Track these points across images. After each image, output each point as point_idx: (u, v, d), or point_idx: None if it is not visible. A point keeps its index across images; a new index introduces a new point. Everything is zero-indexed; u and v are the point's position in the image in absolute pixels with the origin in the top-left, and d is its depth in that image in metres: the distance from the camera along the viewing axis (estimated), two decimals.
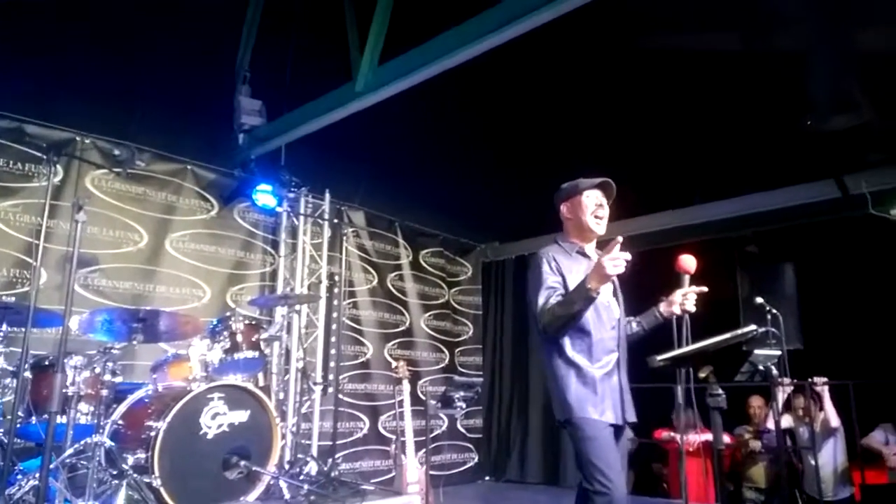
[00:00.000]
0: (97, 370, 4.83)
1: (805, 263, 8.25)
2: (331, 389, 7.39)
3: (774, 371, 5.08)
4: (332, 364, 7.52)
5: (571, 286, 3.60)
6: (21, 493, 4.30)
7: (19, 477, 4.42)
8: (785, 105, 6.46)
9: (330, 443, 7.14)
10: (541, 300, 3.63)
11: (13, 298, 5.62)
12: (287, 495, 5.38)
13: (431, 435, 6.78)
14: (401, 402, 7.11)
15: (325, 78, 6.29)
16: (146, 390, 5.16)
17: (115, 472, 4.59)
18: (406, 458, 6.80)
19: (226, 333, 5.55)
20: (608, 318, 3.73)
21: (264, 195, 7.01)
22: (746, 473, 7.68)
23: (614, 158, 6.84)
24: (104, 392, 4.72)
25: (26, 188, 5.93)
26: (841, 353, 7.36)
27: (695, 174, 7.89)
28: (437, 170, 8.03)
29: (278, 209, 7.44)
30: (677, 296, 3.72)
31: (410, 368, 7.50)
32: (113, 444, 4.62)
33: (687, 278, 3.71)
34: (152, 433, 4.70)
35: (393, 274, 8.95)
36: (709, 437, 6.95)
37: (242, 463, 5.02)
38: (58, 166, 5.90)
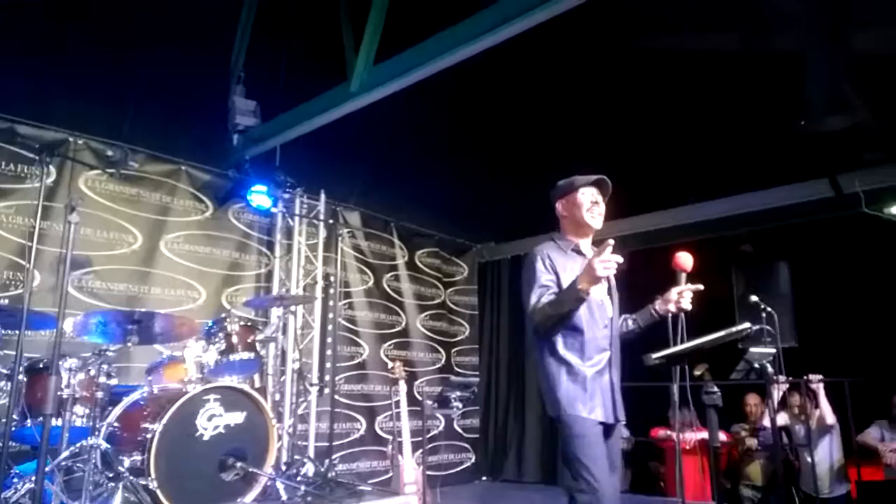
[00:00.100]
0: (92, 372, 4.82)
1: (799, 262, 8.26)
2: (327, 390, 7.38)
3: (770, 369, 5.07)
4: (328, 365, 7.52)
5: (565, 284, 3.60)
6: (17, 496, 4.29)
7: (15, 480, 4.41)
8: (779, 105, 6.47)
9: (327, 444, 7.13)
10: (533, 298, 3.64)
11: (7, 301, 5.63)
12: (284, 496, 5.37)
13: (428, 435, 6.75)
14: (397, 402, 7.09)
15: (320, 78, 6.28)
16: (142, 392, 5.15)
17: (111, 475, 4.58)
18: (403, 458, 6.79)
19: (221, 335, 5.55)
20: (601, 316, 3.73)
21: (259, 196, 6.99)
22: (743, 471, 7.68)
23: (609, 158, 6.83)
24: (99, 394, 4.70)
25: (19, 189, 5.91)
26: (836, 350, 7.37)
27: (689, 173, 7.89)
28: (433, 170, 8.02)
29: (273, 210, 7.42)
30: (673, 293, 3.69)
31: (407, 369, 7.49)
32: (109, 446, 4.62)
33: (684, 276, 3.70)
34: (148, 435, 4.68)
35: (389, 274, 8.95)
36: (705, 435, 6.95)
37: (239, 464, 5.01)
38: (51, 167, 5.88)
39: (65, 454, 4.48)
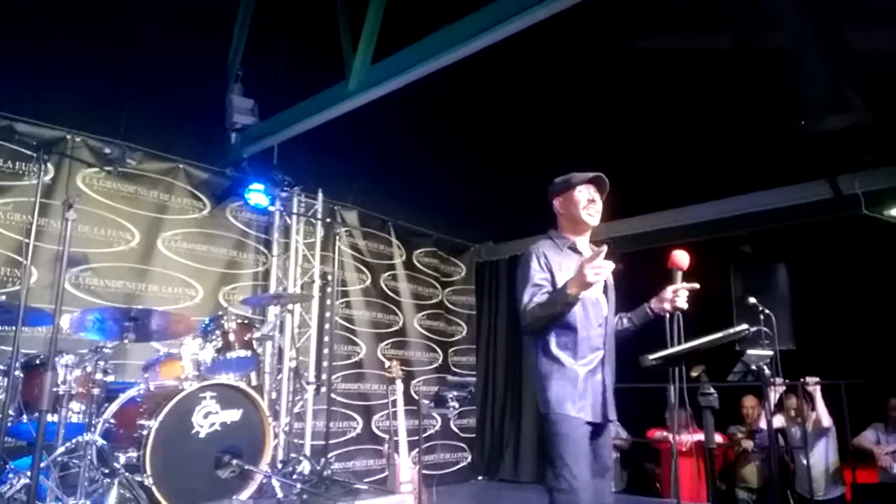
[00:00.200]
0: (88, 369, 4.81)
1: (798, 263, 8.27)
2: (324, 389, 7.39)
3: (767, 371, 5.07)
4: (324, 363, 7.52)
5: (560, 282, 3.61)
6: (12, 491, 4.29)
7: (10, 476, 4.40)
8: (778, 105, 6.48)
9: (323, 442, 7.12)
10: (525, 297, 3.64)
11: (4, 297, 5.62)
12: (280, 494, 5.37)
13: (424, 434, 6.76)
14: (394, 401, 7.08)
15: (318, 77, 6.29)
16: (138, 389, 5.14)
17: (106, 471, 4.58)
18: (399, 457, 6.78)
19: (218, 333, 5.54)
20: (596, 315, 3.71)
21: (257, 194, 6.99)
22: (739, 473, 7.69)
23: (609, 158, 6.81)
24: (96, 391, 4.70)
25: (17, 186, 5.90)
26: (833, 353, 7.38)
27: (689, 174, 7.91)
28: (431, 169, 8.03)
29: (271, 208, 7.42)
30: (668, 292, 3.66)
31: (404, 368, 7.47)
32: (105, 442, 4.63)
33: (680, 274, 3.66)
34: (144, 432, 4.68)
35: (386, 273, 8.94)
36: (701, 436, 6.94)
37: (235, 462, 5.00)
38: (48, 165, 5.86)
39: (60, 450, 4.48)
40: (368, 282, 8.66)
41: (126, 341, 5.09)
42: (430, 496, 6.77)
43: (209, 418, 4.99)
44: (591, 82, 6.84)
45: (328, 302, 7.77)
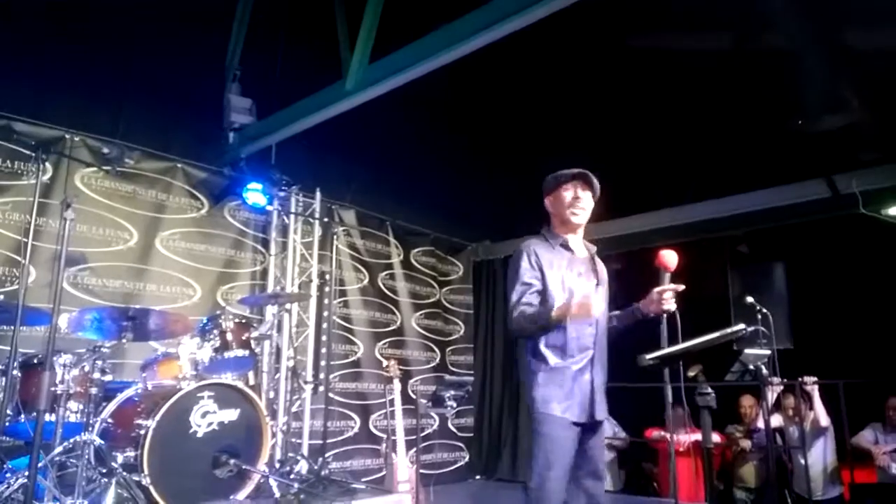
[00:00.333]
0: (86, 368, 4.81)
1: (796, 263, 8.28)
2: (321, 388, 7.39)
3: (764, 370, 5.08)
4: (322, 363, 7.51)
5: (550, 280, 3.62)
6: (9, 491, 4.28)
7: (8, 475, 4.40)
8: (776, 105, 6.49)
9: (320, 441, 7.13)
10: (514, 296, 3.66)
11: (2, 297, 5.64)
12: (277, 494, 5.36)
13: (422, 434, 6.77)
14: (391, 400, 7.09)
15: (316, 76, 6.29)
16: (136, 389, 5.14)
17: (104, 471, 4.58)
18: (397, 456, 6.79)
19: (216, 332, 5.53)
20: None
21: (255, 194, 6.99)
22: (737, 473, 7.70)
23: (606, 157, 6.83)
24: (93, 390, 4.69)
25: (15, 186, 5.90)
26: (831, 352, 7.38)
27: (686, 173, 7.91)
28: (429, 169, 8.03)
29: (269, 208, 7.41)
30: (655, 294, 3.64)
31: (401, 367, 7.48)
32: (102, 442, 4.61)
33: (668, 275, 3.63)
34: (142, 431, 4.68)
35: (384, 273, 8.94)
36: (699, 436, 6.96)
37: (232, 461, 5.00)
38: (47, 164, 5.85)
39: (58, 450, 4.47)
40: (366, 281, 8.66)
41: (124, 341, 5.08)
42: (428, 496, 6.77)
43: (207, 418, 4.99)
44: (588, 81, 6.84)
45: (326, 301, 7.77)
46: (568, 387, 3.56)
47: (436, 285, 9.68)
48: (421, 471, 6.33)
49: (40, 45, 5.84)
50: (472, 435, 9.69)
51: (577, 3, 4.47)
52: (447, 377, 7.32)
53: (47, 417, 4.36)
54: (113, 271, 6.38)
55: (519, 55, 6.05)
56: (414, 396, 7.93)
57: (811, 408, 7.09)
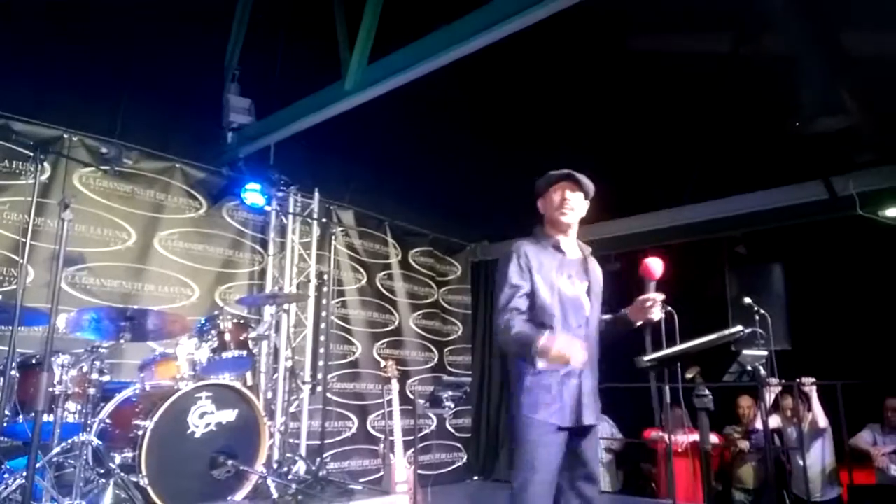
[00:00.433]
0: (84, 369, 4.80)
1: (793, 264, 8.28)
2: (319, 389, 7.38)
3: (762, 371, 5.08)
4: (320, 363, 7.50)
5: (540, 281, 3.60)
6: (7, 491, 4.28)
7: (6, 476, 4.40)
8: (774, 106, 6.49)
9: (318, 442, 7.14)
10: (502, 299, 3.62)
11: (0, 297, 5.61)
12: (275, 494, 5.36)
13: (420, 434, 6.77)
14: (389, 401, 7.09)
15: (315, 76, 6.28)
16: (134, 389, 5.14)
17: (102, 471, 4.58)
18: (394, 457, 6.79)
19: (214, 332, 5.53)
20: (576, 315, 3.64)
21: (253, 194, 6.99)
22: (735, 473, 7.70)
23: (604, 158, 6.86)
24: (91, 391, 4.69)
25: (13, 186, 5.90)
26: (829, 353, 7.38)
27: (684, 175, 7.90)
28: (427, 169, 8.03)
29: (267, 208, 7.42)
30: (638, 302, 3.60)
31: (399, 368, 7.47)
32: (100, 442, 4.61)
33: (652, 284, 3.55)
34: (140, 432, 4.68)
35: (382, 273, 8.93)
36: (697, 437, 6.96)
37: (230, 462, 5.01)
38: (45, 164, 5.86)
39: (56, 450, 4.47)
40: (364, 281, 8.66)
41: (122, 341, 5.10)
42: (426, 496, 6.77)
43: (205, 418, 4.99)
44: (587, 83, 6.84)
45: (324, 301, 7.77)
46: (555, 391, 3.51)
47: (434, 286, 9.68)
48: (419, 471, 6.32)
49: (39, 44, 5.84)
50: (469, 435, 9.69)
51: (576, 5, 4.46)
52: (445, 378, 7.30)
53: (45, 418, 4.34)
54: (111, 271, 6.38)
55: (519, 56, 6.04)
56: (412, 397, 7.93)
57: (809, 409, 7.09)
